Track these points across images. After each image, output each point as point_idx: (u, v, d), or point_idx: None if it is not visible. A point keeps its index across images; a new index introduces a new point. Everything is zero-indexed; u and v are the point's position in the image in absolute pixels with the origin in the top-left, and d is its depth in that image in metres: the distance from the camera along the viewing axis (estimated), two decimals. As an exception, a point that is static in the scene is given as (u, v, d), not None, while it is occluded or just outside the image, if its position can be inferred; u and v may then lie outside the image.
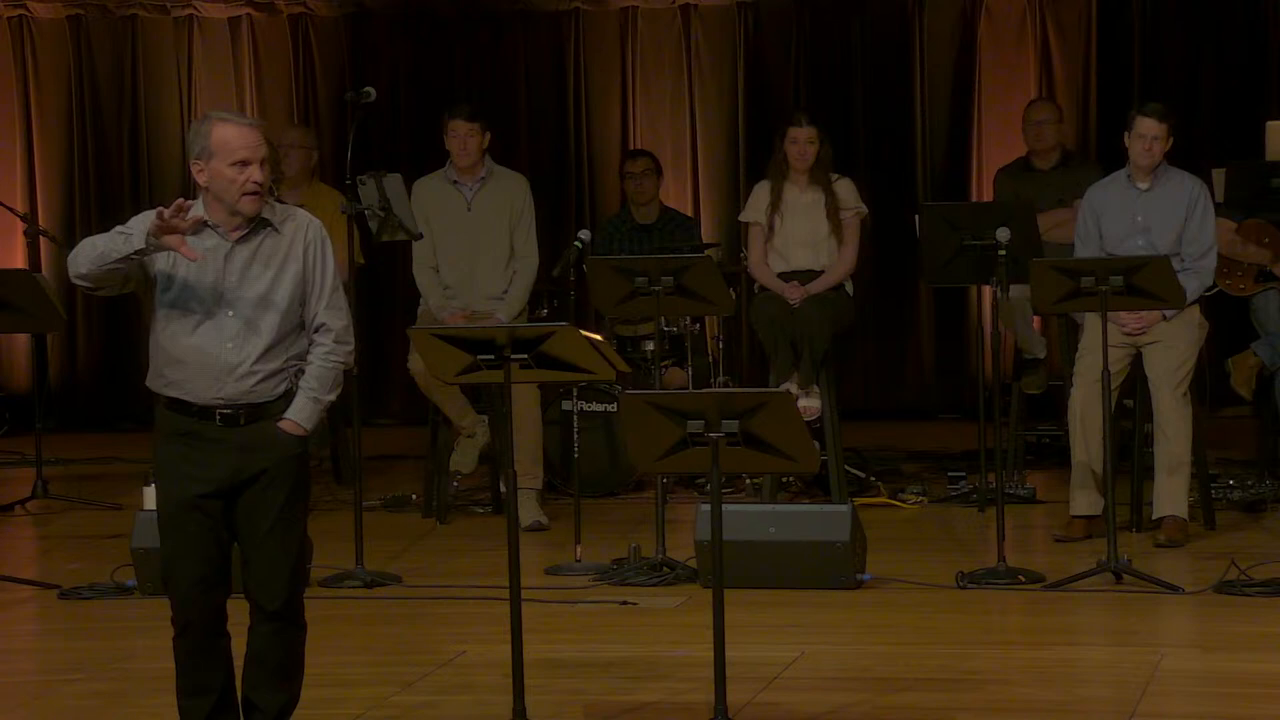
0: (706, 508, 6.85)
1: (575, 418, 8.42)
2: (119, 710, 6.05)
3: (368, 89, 7.96)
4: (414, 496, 9.36)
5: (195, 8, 12.17)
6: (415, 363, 8.78)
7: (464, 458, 9.15)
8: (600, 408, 9.41)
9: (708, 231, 11.55)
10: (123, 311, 11.77)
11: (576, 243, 8.34)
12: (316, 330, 5.16)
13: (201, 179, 5.10)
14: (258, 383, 5.09)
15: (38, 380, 11.44)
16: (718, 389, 9.40)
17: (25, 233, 10.84)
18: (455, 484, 9.22)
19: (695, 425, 5.25)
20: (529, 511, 8.64)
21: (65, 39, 12.23)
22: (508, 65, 12.09)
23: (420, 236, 8.65)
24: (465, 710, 5.97)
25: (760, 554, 7.34)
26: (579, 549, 7.86)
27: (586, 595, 7.42)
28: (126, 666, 6.53)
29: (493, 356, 5.56)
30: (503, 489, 8.14)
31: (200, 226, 5.07)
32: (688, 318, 9.60)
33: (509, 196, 9.00)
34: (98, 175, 12.27)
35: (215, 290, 5.08)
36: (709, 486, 5.41)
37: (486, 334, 5.63)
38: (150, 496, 8.30)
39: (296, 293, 5.12)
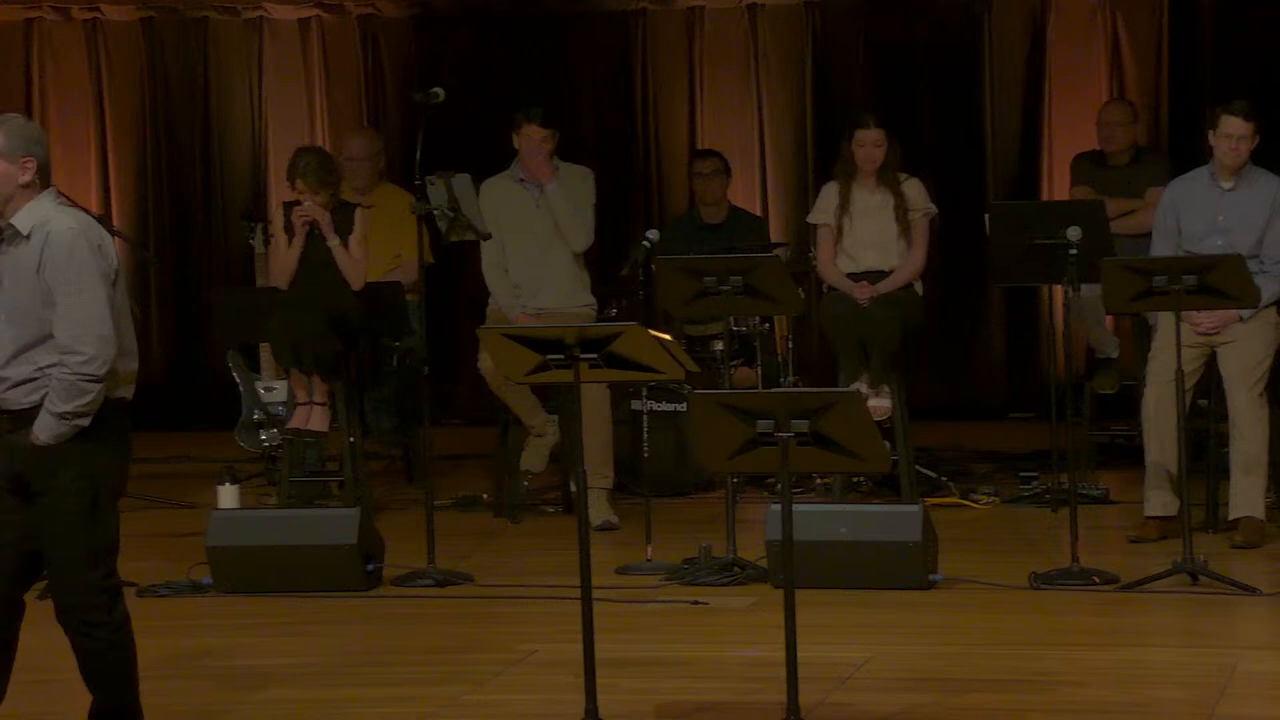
0: (777, 508, 6.82)
1: (645, 417, 8.41)
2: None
3: (436, 90, 7.97)
4: (484, 496, 9.38)
5: (265, 9, 12.22)
6: (485, 362, 8.80)
7: (534, 457, 9.15)
8: (670, 407, 9.40)
9: (776, 231, 11.51)
10: (196, 302, 11.82)
11: (645, 242, 8.32)
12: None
13: None
14: (5, 390, 5.13)
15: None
16: (787, 389, 9.38)
17: (100, 234, 10.89)
18: (526, 483, 9.24)
19: (764, 425, 5.24)
20: (599, 511, 8.64)
21: (138, 41, 12.29)
22: (573, 65, 12.08)
23: (489, 236, 8.65)
24: (536, 709, 5.98)
25: (831, 554, 7.31)
26: (649, 549, 7.85)
27: (657, 595, 7.42)
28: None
29: (562, 356, 5.56)
30: (573, 489, 8.14)
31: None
32: (757, 317, 9.58)
33: (573, 191, 9.00)
34: (170, 177, 12.32)
35: None
36: (779, 486, 5.40)
37: (556, 334, 5.64)
38: (225, 495, 8.37)
39: (34, 303, 5.12)
